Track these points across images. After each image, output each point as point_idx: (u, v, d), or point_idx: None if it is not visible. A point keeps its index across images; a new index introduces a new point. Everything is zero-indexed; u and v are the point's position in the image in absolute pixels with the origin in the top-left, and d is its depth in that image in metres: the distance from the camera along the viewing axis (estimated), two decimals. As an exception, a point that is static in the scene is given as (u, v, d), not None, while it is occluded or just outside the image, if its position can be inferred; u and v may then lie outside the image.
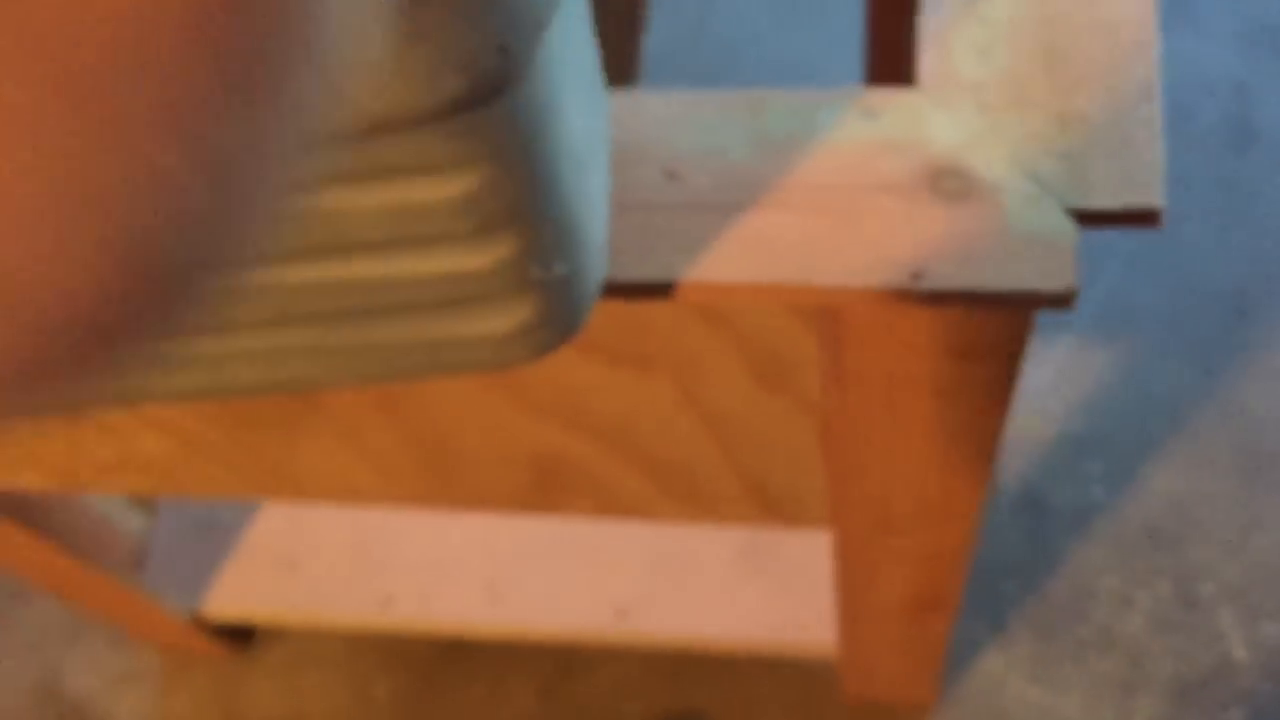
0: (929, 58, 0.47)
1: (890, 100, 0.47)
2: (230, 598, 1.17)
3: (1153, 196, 0.45)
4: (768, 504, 0.76)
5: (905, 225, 0.45)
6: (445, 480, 0.74)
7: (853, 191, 0.46)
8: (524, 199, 0.33)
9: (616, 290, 0.45)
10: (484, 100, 0.28)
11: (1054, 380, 1.30)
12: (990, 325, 0.53)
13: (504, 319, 0.37)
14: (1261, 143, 1.36)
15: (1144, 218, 0.45)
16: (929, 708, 1.16)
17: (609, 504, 0.78)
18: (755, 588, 1.13)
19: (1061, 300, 0.44)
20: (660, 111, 0.48)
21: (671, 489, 0.75)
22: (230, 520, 1.17)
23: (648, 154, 0.47)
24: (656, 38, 1.51)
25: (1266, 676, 1.13)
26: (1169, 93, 1.40)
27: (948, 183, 0.46)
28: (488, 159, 0.31)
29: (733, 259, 0.45)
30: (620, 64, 0.83)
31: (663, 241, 0.46)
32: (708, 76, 1.49)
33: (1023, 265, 0.44)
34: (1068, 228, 0.44)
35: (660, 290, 0.45)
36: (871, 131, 0.47)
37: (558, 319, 0.38)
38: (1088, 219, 0.45)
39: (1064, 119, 0.47)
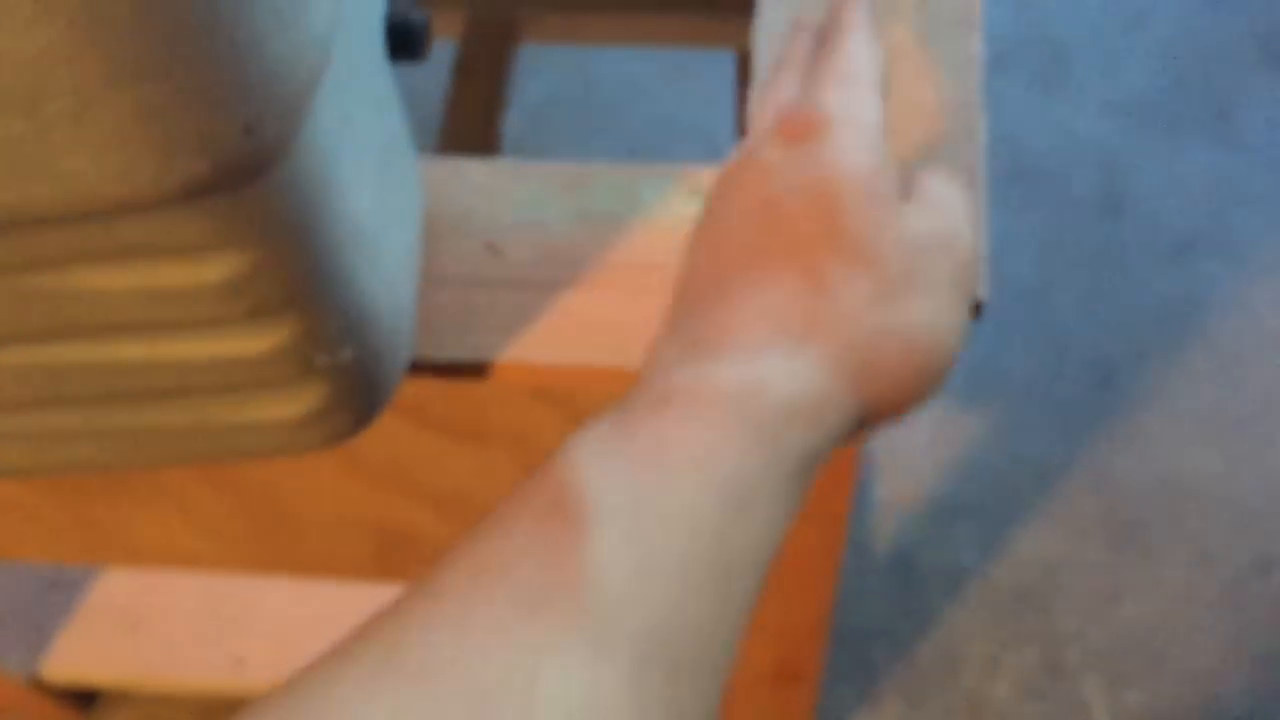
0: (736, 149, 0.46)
1: (714, 180, 0.45)
2: (72, 659, 1.11)
3: (976, 288, 0.44)
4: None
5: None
6: (283, 548, 0.71)
7: (669, 273, 0.44)
8: (299, 283, 0.31)
9: (431, 369, 0.43)
10: (232, 183, 0.26)
11: (927, 443, 1.30)
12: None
13: (291, 405, 0.35)
14: (1130, 213, 1.39)
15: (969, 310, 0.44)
16: (797, 775, 1.14)
17: (455, 574, 0.75)
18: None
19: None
20: (483, 181, 0.46)
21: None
22: (73, 579, 1.12)
23: (468, 226, 0.45)
24: (544, 88, 1.50)
25: (1128, 743, 1.13)
26: (1042, 159, 1.42)
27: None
28: (250, 242, 0.29)
29: (551, 339, 0.43)
30: (483, 140, 0.81)
31: (480, 319, 0.44)
32: (595, 129, 1.48)
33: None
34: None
35: (476, 370, 0.43)
36: (693, 210, 0.45)
37: (351, 404, 0.36)
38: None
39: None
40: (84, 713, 1.20)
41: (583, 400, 0.54)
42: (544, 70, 1.50)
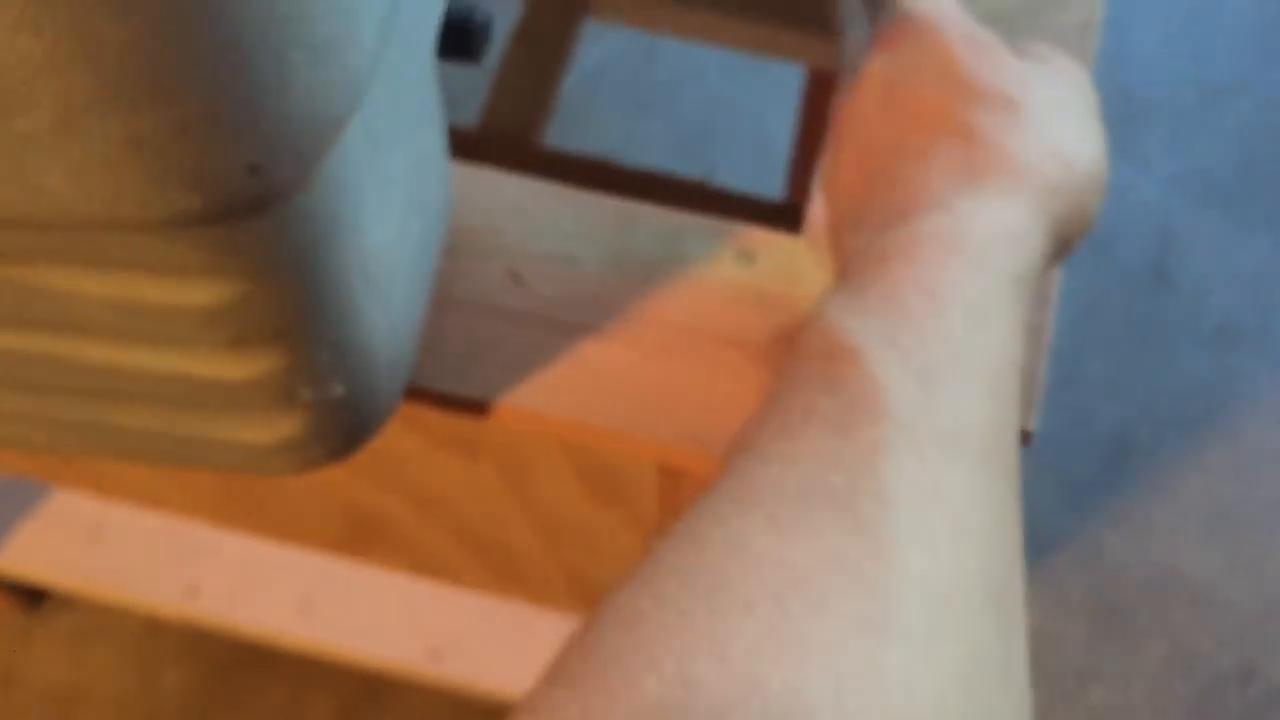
0: (820, 206, 0.42)
1: (767, 244, 0.41)
2: (26, 555, 1.09)
3: (1025, 419, 0.40)
4: (592, 601, 0.71)
5: (750, 391, 0.40)
6: (252, 508, 0.68)
7: (704, 339, 0.41)
8: (291, 319, 0.28)
9: (426, 397, 0.40)
10: (230, 217, 0.23)
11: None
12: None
13: (265, 431, 0.32)
14: (1176, 291, 1.35)
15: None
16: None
17: (422, 565, 0.72)
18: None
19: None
20: (518, 201, 0.42)
21: (489, 565, 0.69)
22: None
23: (494, 248, 0.42)
24: (602, 55, 1.45)
25: (1073, 830, 1.11)
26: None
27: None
28: (243, 274, 0.26)
29: (559, 388, 0.40)
30: (530, 115, 0.77)
31: (488, 353, 0.40)
32: (646, 105, 1.44)
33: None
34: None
35: (476, 408, 0.40)
36: (739, 274, 0.42)
37: (331, 437, 0.33)
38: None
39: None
40: (30, 609, 1.18)
41: (587, 452, 0.50)
42: (606, 37, 1.45)
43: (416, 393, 0.40)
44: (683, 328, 0.41)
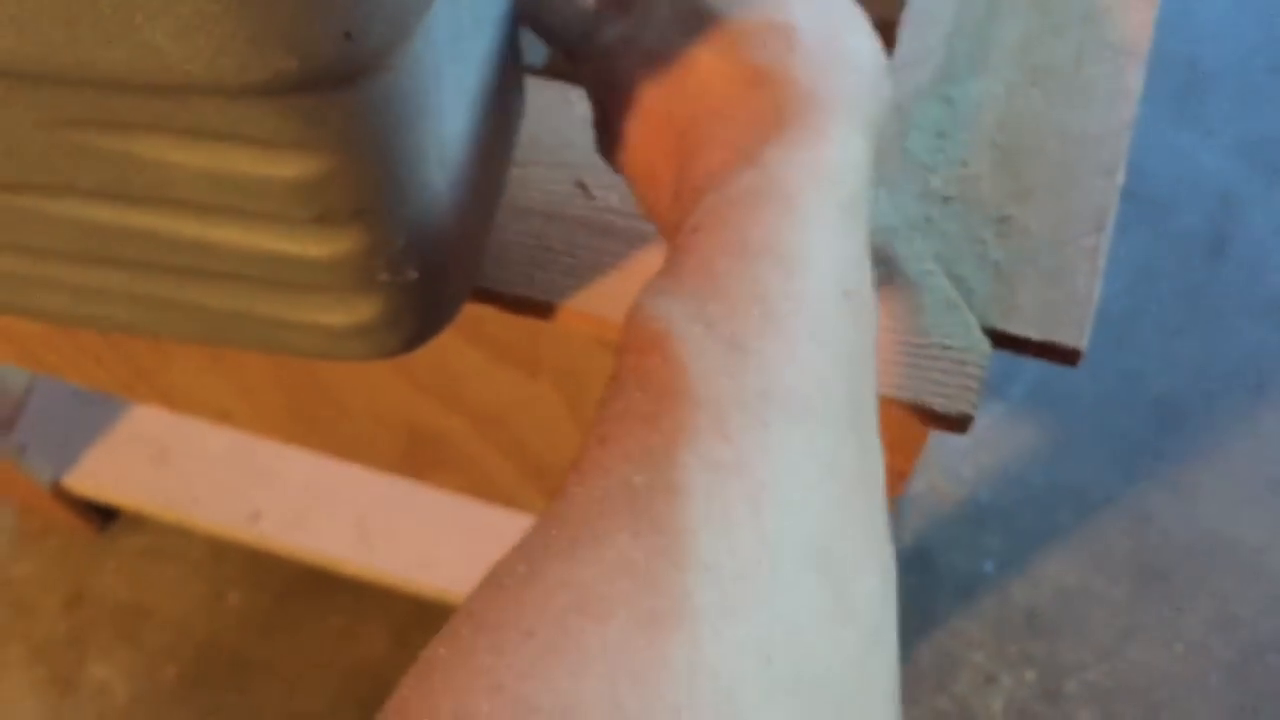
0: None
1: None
2: (96, 475, 1.13)
3: (1077, 336, 0.42)
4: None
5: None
6: (317, 426, 0.71)
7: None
8: (372, 198, 0.30)
9: (492, 298, 0.42)
10: (322, 86, 0.25)
11: (972, 446, 1.28)
12: (917, 430, 0.50)
13: (344, 314, 0.34)
14: (1234, 258, 1.35)
15: (1062, 354, 0.42)
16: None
17: (481, 487, 0.75)
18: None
19: (956, 424, 0.41)
20: (587, 116, 0.44)
21: (546, 488, 0.72)
22: (110, 398, 1.13)
23: (563, 159, 0.44)
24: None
25: (1106, 785, 1.12)
26: (1157, 184, 1.38)
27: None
28: (331, 148, 0.28)
29: (620, 294, 0.42)
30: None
31: (555, 258, 0.42)
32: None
33: (924, 378, 0.41)
34: (982, 348, 0.41)
35: (540, 309, 0.42)
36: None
37: (404, 324, 0.35)
38: (1003, 341, 0.42)
39: (1005, 226, 0.44)
40: (101, 526, 1.23)
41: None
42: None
43: (483, 294, 0.42)
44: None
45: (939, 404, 0.40)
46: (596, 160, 0.44)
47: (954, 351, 0.41)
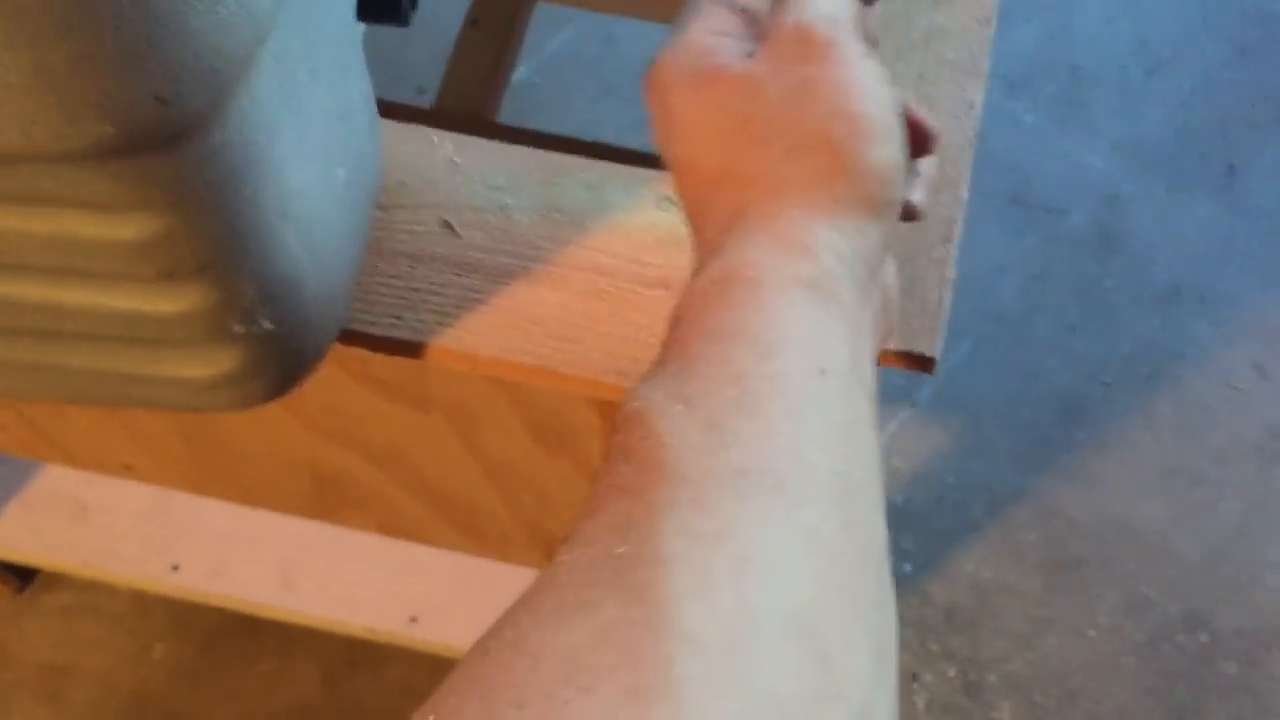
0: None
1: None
2: (13, 536, 1.12)
3: (930, 345, 0.44)
4: (550, 554, 0.75)
5: (660, 325, 0.44)
6: (219, 474, 0.72)
7: (629, 280, 0.45)
8: (214, 253, 0.31)
9: (362, 340, 0.44)
10: (145, 148, 0.26)
11: (884, 451, 1.31)
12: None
13: (204, 367, 0.35)
14: (1123, 255, 1.39)
15: (918, 362, 0.45)
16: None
17: (390, 524, 0.76)
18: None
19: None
20: (452, 157, 0.46)
21: (453, 522, 0.73)
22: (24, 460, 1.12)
23: (429, 201, 0.45)
24: (562, 43, 1.49)
25: (1031, 773, 1.15)
26: (1044, 188, 1.42)
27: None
28: (165, 207, 0.29)
29: (489, 330, 0.44)
30: (483, 96, 0.80)
31: (423, 298, 0.44)
32: (608, 90, 1.47)
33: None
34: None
35: (409, 349, 0.44)
36: (664, 220, 0.46)
37: (267, 373, 0.37)
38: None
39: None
40: (19, 587, 1.22)
41: (530, 384, 0.54)
42: (566, 23, 1.49)
43: (353, 337, 0.44)
44: (609, 270, 0.45)
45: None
46: (460, 200, 0.46)
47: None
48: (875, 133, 0.33)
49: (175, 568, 1.13)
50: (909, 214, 0.37)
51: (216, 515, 1.14)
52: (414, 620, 1.12)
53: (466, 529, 0.74)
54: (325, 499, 0.73)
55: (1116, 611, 1.23)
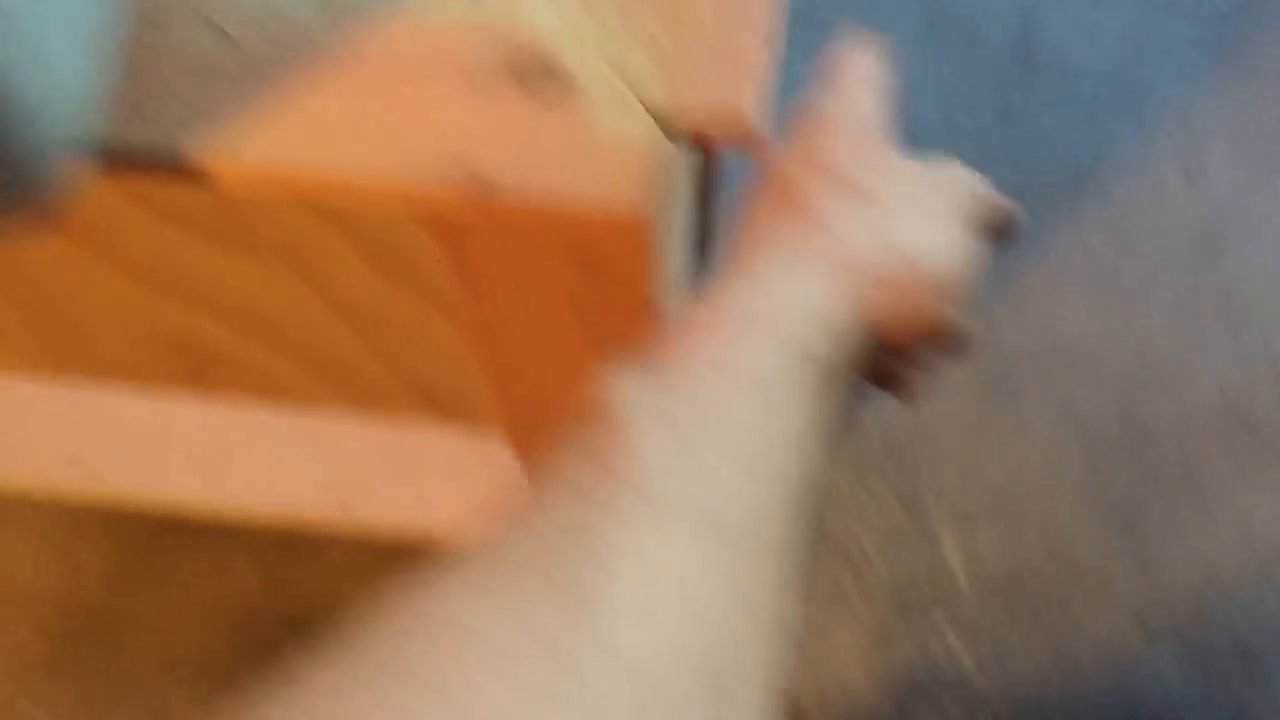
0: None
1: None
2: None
3: (752, 117, 0.41)
4: (434, 404, 0.72)
5: (475, 120, 0.40)
6: (73, 353, 0.68)
7: (425, 75, 0.41)
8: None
9: (140, 166, 0.40)
10: None
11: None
12: (607, 235, 0.49)
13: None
14: (1041, 66, 1.35)
15: (741, 137, 0.41)
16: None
17: (265, 390, 0.73)
18: (483, 480, 1.10)
19: (635, 227, 0.40)
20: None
21: (328, 380, 0.70)
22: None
23: (201, 9, 0.41)
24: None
25: (979, 595, 1.15)
26: (958, 8, 1.38)
27: (535, 76, 0.42)
28: None
29: (279, 144, 0.40)
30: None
31: (200, 113, 0.40)
32: None
33: (599, 181, 0.40)
34: (658, 143, 0.40)
35: (193, 173, 0.40)
36: (459, 9, 0.42)
37: None
38: (679, 134, 0.41)
39: (675, 21, 0.43)
40: (-67, 510, 1.19)
41: (358, 213, 0.51)
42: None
43: (132, 163, 0.40)
44: (397, 65, 0.41)
45: (616, 206, 0.39)
46: (236, 6, 0.41)
47: (630, 146, 0.40)
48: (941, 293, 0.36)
49: (80, 465, 1.09)
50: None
51: (125, 412, 1.11)
52: (343, 503, 1.10)
53: (344, 388, 0.71)
54: (193, 370, 0.70)
55: (1053, 427, 1.22)
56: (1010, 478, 1.19)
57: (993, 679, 1.12)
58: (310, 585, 1.18)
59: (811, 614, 1.16)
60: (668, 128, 0.41)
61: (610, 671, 0.24)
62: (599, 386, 0.30)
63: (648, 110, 0.41)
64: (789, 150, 0.37)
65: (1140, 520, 1.18)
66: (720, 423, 0.29)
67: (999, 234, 0.43)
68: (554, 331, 0.56)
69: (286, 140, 0.41)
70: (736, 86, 0.42)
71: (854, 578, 1.17)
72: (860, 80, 0.40)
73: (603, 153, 0.41)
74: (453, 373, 0.67)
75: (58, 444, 1.07)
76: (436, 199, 0.41)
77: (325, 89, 0.41)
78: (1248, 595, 1.15)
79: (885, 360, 0.37)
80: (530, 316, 0.55)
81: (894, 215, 0.35)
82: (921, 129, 1.33)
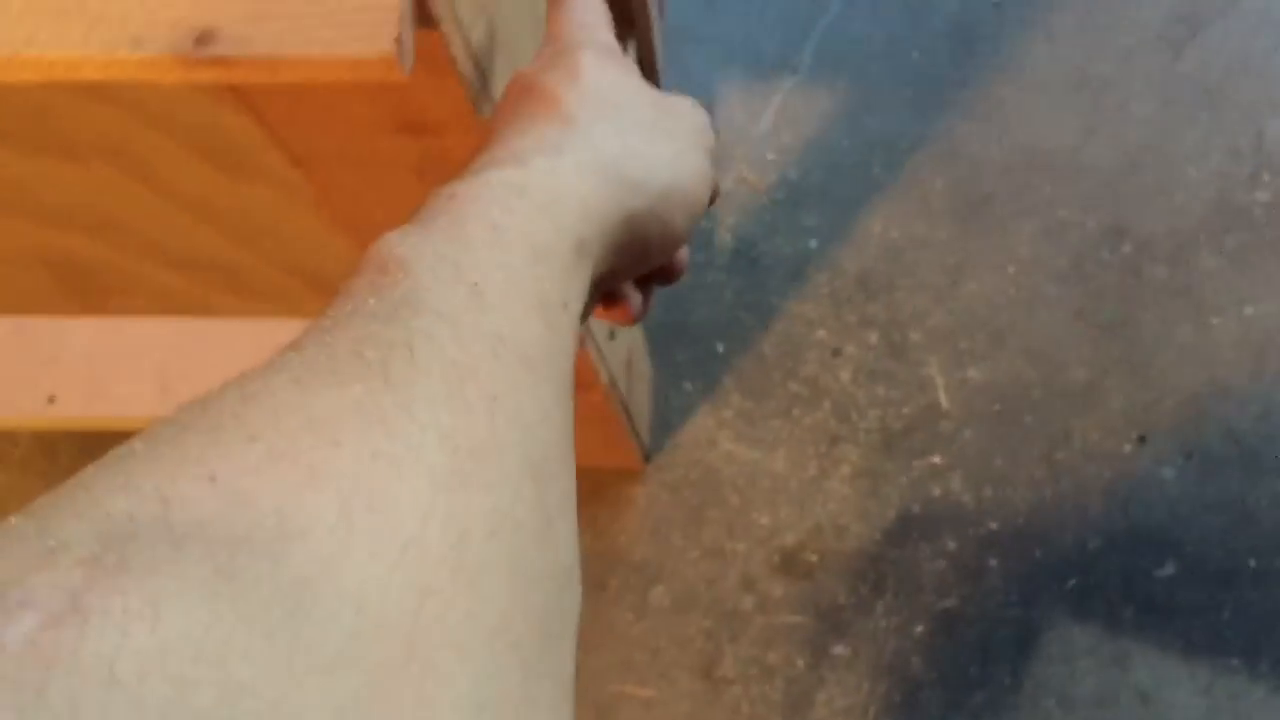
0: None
1: None
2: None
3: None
4: (326, 291, 0.69)
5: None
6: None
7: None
8: None
9: None
10: None
11: (770, 128, 1.23)
12: (421, 95, 0.45)
13: None
14: None
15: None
16: (638, 473, 1.14)
17: (161, 303, 0.70)
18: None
19: (382, 68, 0.36)
20: None
21: (220, 285, 0.67)
22: None
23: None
24: None
25: (968, 421, 1.12)
26: None
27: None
28: None
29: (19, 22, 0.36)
30: None
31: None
32: None
33: (337, 23, 0.36)
34: (398, -26, 0.36)
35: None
36: None
37: None
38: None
39: None
40: (-88, 454, 1.19)
41: (163, 105, 0.47)
42: None
43: None
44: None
45: (358, 49, 0.35)
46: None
47: (365, -9, 0.36)
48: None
49: (51, 399, 1.08)
50: None
51: (82, 338, 1.09)
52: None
53: (241, 291, 0.68)
54: (80, 289, 0.67)
55: (1035, 240, 1.16)
56: (993, 297, 1.15)
57: (989, 505, 1.10)
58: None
59: (799, 458, 1.13)
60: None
61: (438, 447, 0.24)
62: (377, 243, 0.29)
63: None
64: (541, 62, 0.38)
65: (1130, 325, 1.13)
66: (503, 274, 0.29)
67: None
68: (401, 195, 0.53)
69: (1, 24, 0.37)
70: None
71: (838, 418, 1.14)
72: (605, 13, 0.41)
73: (336, 6, 0.37)
74: (337, 262, 0.63)
75: (34, 382, 1.05)
76: (90, 65, 0.37)
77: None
78: (1244, 390, 1.11)
79: (631, 270, 0.37)
80: (370, 184, 0.51)
81: (643, 130, 0.36)
82: (874, -60, 1.25)
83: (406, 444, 0.23)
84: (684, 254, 0.41)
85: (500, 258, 0.29)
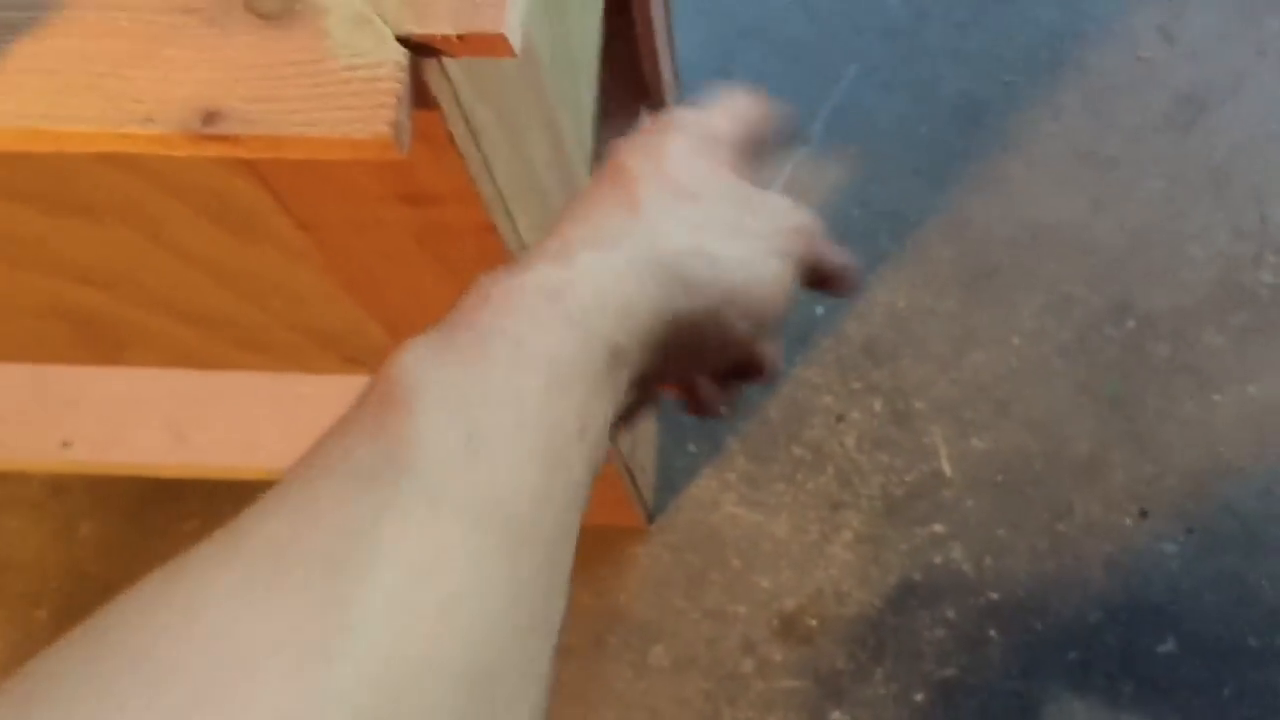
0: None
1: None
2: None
3: (496, 21, 0.38)
4: (341, 353, 0.71)
5: (207, 55, 0.38)
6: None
7: (152, 13, 0.39)
8: None
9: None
10: None
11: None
12: (421, 170, 0.47)
13: None
14: (1009, -63, 1.29)
15: (489, 45, 0.39)
16: (642, 533, 1.15)
17: (174, 356, 0.72)
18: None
19: (378, 148, 0.38)
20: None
21: (230, 340, 0.69)
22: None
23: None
24: None
25: (970, 491, 1.13)
26: (922, -118, 1.31)
27: (263, 2, 0.39)
28: None
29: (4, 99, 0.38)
30: None
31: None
32: None
33: (336, 106, 0.38)
34: (396, 58, 0.38)
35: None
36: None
37: None
38: (421, 48, 0.38)
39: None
40: (-70, 494, 1.20)
41: (176, 171, 0.49)
42: None
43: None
44: (120, 4, 0.39)
45: (356, 130, 0.37)
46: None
47: (365, 69, 0.37)
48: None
49: (66, 444, 1.10)
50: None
51: (98, 386, 1.11)
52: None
53: (252, 346, 0.70)
54: (94, 341, 0.69)
55: (1040, 314, 1.18)
56: (998, 368, 1.16)
57: (990, 575, 1.10)
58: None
59: (801, 522, 1.14)
60: (406, 42, 0.39)
61: (359, 670, 0.23)
62: (397, 358, 0.29)
63: (385, 25, 0.39)
64: (632, 141, 0.37)
65: (1134, 402, 1.14)
66: (512, 408, 0.28)
67: (826, 282, 0.42)
68: (403, 260, 0.55)
69: (20, 98, 0.39)
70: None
71: (841, 484, 1.15)
72: (729, 107, 0.40)
73: (334, 76, 0.38)
74: (349, 322, 0.65)
75: (49, 428, 1.07)
76: (101, 141, 0.39)
77: (40, 37, 0.39)
78: (1246, 467, 1.11)
79: (686, 370, 0.36)
80: (373, 250, 0.53)
81: (719, 227, 0.35)
82: (882, 17, 1.28)
83: (331, 674, 0.23)
84: (772, 354, 0.40)
85: (516, 385, 0.28)
